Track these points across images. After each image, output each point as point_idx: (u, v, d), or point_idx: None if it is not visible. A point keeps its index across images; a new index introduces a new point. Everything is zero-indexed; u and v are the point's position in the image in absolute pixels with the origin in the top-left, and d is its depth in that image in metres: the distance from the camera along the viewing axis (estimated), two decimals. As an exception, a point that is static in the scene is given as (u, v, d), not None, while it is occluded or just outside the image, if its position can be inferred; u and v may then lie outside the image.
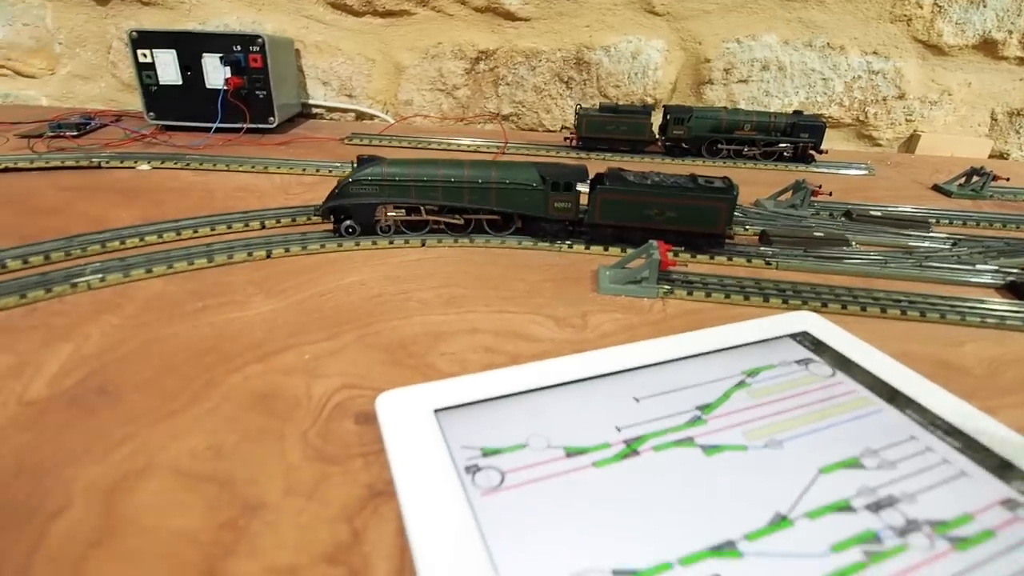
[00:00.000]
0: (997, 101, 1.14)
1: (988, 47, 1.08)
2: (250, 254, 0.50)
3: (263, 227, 0.57)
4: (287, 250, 0.51)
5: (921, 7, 1.05)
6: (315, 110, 1.19)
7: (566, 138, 0.99)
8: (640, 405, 0.32)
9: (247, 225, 0.57)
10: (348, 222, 0.54)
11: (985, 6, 1.04)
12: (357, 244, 0.54)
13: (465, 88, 1.17)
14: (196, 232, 0.55)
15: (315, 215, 0.58)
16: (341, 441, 0.30)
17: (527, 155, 0.95)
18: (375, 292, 0.46)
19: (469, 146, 0.97)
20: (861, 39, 1.09)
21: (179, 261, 0.48)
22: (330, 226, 0.56)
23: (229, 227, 0.56)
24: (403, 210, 0.54)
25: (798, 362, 0.38)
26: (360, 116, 1.20)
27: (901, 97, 1.12)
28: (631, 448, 0.29)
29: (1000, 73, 1.11)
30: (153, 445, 0.29)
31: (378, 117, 1.18)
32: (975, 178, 0.84)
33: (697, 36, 1.11)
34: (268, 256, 0.51)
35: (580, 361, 0.35)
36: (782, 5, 1.07)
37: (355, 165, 0.53)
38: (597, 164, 0.92)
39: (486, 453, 0.28)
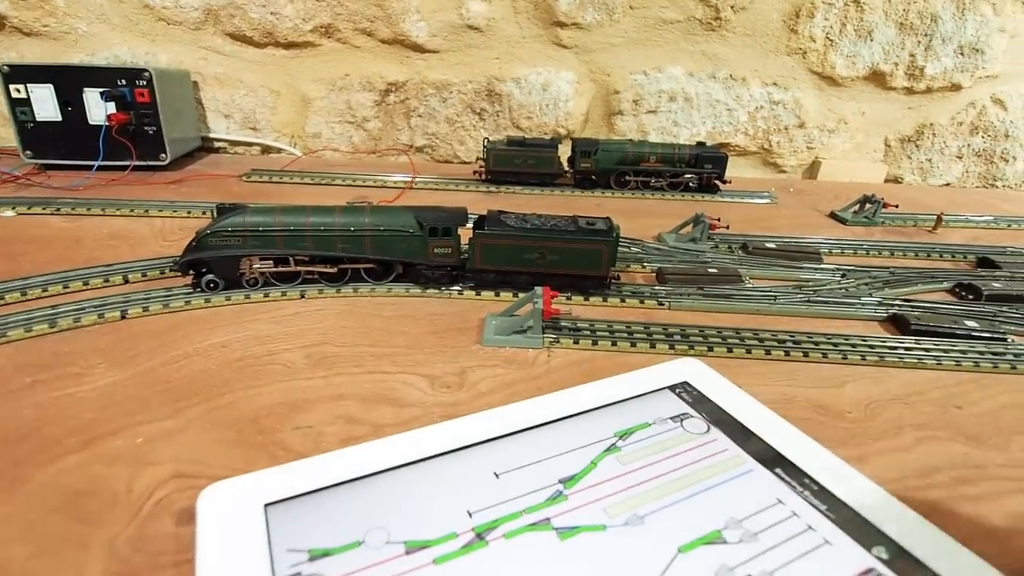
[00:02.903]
0: (889, 128, 1.19)
1: (877, 78, 1.14)
2: (101, 316, 0.46)
3: (126, 282, 0.53)
4: (145, 309, 0.47)
5: (814, 40, 1.09)
6: (217, 144, 1.14)
7: (475, 171, 0.98)
8: (499, 482, 0.30)
9: (107, 280, 0.52)
10: (209, 276, 0.50)
11: (872, 40, 1.09)
12: (228, 299, 0.50)
13: (376, 120, 1.14)
14: (46, 291, 0.50)
15: (172, 270, 0.54)
16: (154, 548, 0.26)
17: (435, 189, 0.93)
18: (237, 355, 0.42)
19: (376, 181, 0.94)
20: (761, 71, 1.13)
21: (15, 328, 0.43)
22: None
23: (86, 284, 0.51)
24: (271, 261, 0.50)
25: (674, 418, 0.36)
26: (266, 150, 1.15)
27: (801, 126, 1.16)
28: (480, 537, 0.27)
29: (890, 102, 1.17)
30: (-83, 572, 0.25)
31: (285, 151, 1.14)
32: (867, 205, 0.87)
33: (605, 68, 1.12)
34: (123, 317, 0.46)
35: (439, 433, 0.33)
36: (685, 38, 1.10)
37: (215, 214, 0.50)
38: (506, 198, 0.91)
39: (313, 556, 0.25)
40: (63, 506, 0.29)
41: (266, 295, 0.51)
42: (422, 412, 0.37)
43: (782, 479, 0.32)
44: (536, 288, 0.47)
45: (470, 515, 0.28)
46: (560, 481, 0.30)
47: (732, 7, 1.06)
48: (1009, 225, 0.90)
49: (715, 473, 0.32)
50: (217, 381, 0.39)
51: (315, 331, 0.47)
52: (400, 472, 0.30)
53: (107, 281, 0.52)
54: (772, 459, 0.33)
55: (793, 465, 0.32)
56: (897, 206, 0.88)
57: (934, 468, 0.36)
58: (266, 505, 0.27)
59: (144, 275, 0.54)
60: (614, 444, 0.34)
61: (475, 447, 0.32)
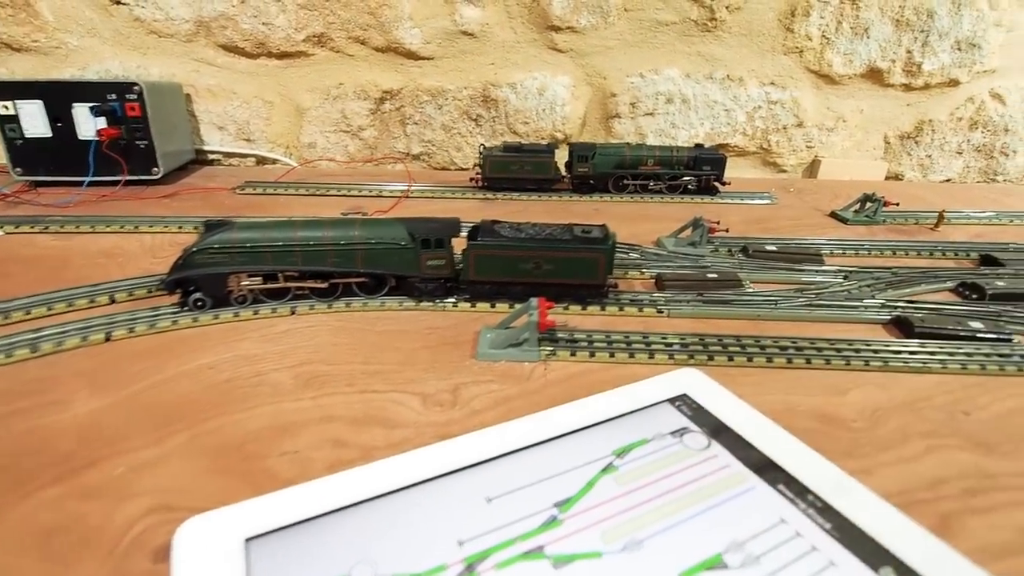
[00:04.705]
0: (888, 125, 1.18)
1: (875, 75, 1.12)
2: (85, 338, 0.45)
3: (112, 302, 0.52)
4: (131, 330, 0.46)
5: (811, 39, 1.08)
6: (211, 156, 1.13)
7: (471, 179, 0.97)
8: (491, 507, 0.29)
9: (93, 301, 0.51)
10: (197, 295, 0.49)
11: (868, 37, 1.08)
12: (216, 318, 0.49)
13: (371, 129, 1.13)
14: (29, 313, 0.49)
15: (158, 288, 0.53)
16: (130, 588, 0.25)
17: (431, 198, 0.92)
18: (224, 377, 0.41)
19: (372, 191, 0.93)
20: (758, 71, 1.11)
21: (-5, 354, 0.42)
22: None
23: (71, 305, 0.50)
24: (260, 278, 0.49)
25: (673, 433, 0.35)
26: (261, 161, 1.14)
27: (800, 125, 1.15)
28: (470, 568, 0.25)
29: (888, 99, 1.15)
30: None
31: (280, 161, 1.13)
32: (868, 204, 0.86)
33: (601, 71, 1.11)
34: (107, 339, 0.45)
35: (428, 457, 0.32)
36: (681, 40, 1.09)
37: (203, 230, 0.49)
38: (503, 204, 0.90)
39: (295, 595, 0.24)
40: (35, 546, 0.27)
41: (256, 312, 0.50)
42: (414, 433, 0.36)
43: (785, 496, 0.30)
44: (531, 299, 0.46)
45: (460, 544, 0.27)
46: (555, 505, 0.29)
47: (727, 7, 1.05)
48: (1011, 221, 0.89)
49: (716, 492, 0.31)
50: (203, 405, 0.38)
51: (305, 349, 0.45)
52: (387, 499, 0.29)
53: (93, 302, 0.51)
54: (774, 475, 0.32)
55: (796, 481, 0.31)
56: (898, 204, 0.87)
57: (943, 479, 0.35)
58: (247, 540, 0.26)
59: (131, 294, 0.53)
60: (611, 463, 0.32)
61: (466, 470, 0.31)
